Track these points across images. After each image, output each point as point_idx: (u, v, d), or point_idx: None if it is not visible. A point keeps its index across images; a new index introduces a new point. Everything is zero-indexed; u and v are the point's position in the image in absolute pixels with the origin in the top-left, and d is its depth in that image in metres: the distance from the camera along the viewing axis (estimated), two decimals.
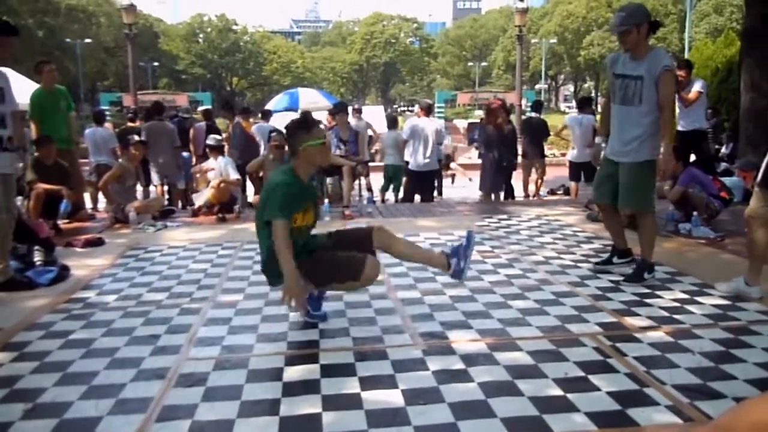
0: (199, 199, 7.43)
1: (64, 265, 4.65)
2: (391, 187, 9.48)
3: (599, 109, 8.10)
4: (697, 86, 7.22)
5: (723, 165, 9.97)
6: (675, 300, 3.81)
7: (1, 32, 4.28)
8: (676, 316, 3.52)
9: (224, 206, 7.01)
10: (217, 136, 8.43)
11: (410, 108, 55.88)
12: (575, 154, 9.06)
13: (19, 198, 5.84)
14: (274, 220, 3.15)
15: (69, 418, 2.46)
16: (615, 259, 4.49)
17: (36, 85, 7.47)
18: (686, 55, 21.16)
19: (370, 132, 10.50)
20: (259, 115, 11.77)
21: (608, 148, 4.38)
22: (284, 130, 3.55)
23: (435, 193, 9.61)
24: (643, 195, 4.19)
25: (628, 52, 4.14)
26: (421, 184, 8.77)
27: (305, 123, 3.39)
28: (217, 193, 7.06)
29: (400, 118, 16.19)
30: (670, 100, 4.07)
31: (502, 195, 8.73)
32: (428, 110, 9.00)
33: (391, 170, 9.33)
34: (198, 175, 8.21)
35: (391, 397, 2.57)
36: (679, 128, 7.53)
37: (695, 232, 5.66)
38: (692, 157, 7.52)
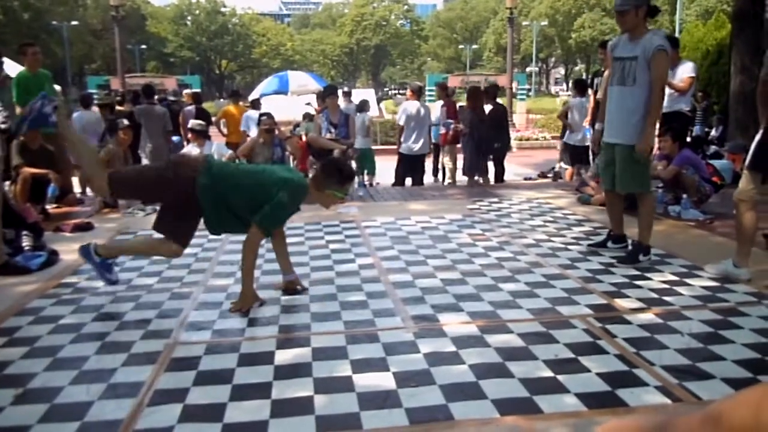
0: None
1: (53, 250, 4.62)
2: (365, 171, 9.50)
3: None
4: (688, 71, 7.12)
5: (713, 148, 10.00)
6: (664, 282, 3.84)
7: None
8: (665, 298, 3.55)
9: None
10: (201, 122, 8.20)
11: (401, 92, 55.57)
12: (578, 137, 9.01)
13: (6, 183, 5.78)
14: (261, 231, 3.42)
15: (60, 403, 2.45)
16: (609, 244, 4.53)
17: (21, 68, 7.36)
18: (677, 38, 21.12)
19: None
20: (249, 104, 11.67)
21: (605, 132, 4.40)
22: (324, 163, 3.70)
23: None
24: (640, 176, 4.22)
25: (627, 34, 4.18)
26: (413, 168, 8.76)
27: (345, 176, 3.57)
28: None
29: (390, 102, 16.10)
30: (661, 81, 4.07)
31: (489, 178, 8.73)
32: (419, 93, 8.96)
33: (359, 153, 9.37)
34: None
35: (383, 380, 2.58)
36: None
37: (684, 215, 5.69)
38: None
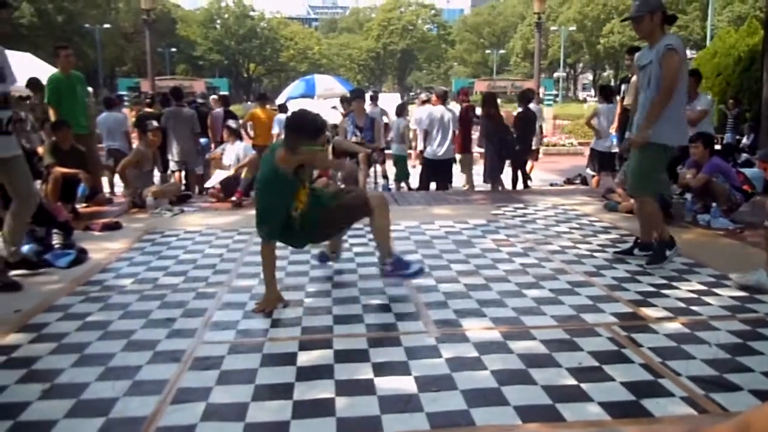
0: (213, 180, 7.48)
1: (82, 249, 4.70)
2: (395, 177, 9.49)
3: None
4: (702, 104, 6.93)
5: (744, 156, 9.82)
6: (692, 291, 3.77)
7: None
8: (692, 307, 3.49)
9: (244, 191, 7.03)
10: (237, 121, 8.56)
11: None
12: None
13: (37, 182, 5.90)
14: (263, 238, 3.49)
15: (86, 398, 2.49)
16: (636, 251, 4.47)
17: (54, 70, 7.52)
18: (708, 44, 20.85)
19: (385, 119, 10.46)
20: (277, 108, 11.84)
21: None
22: (286, 125, 3.49)
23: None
24: (643, 178, 4.23)
25: (645, 41, 4.23)
26: (437, 173, 8.74)
27: (313, 128, 3.34)
28: (250, 168, 7.15)
29: (411, 106, 16.10)
30: (668, 80, 3.99)
31: (502, 181, 8.69)
32: (444, 98, 8.94)
33: (393, 159, 9.35)
34: (213, 162, 8.24)
35: (404, 384, 2.57)
36: None
37: (714, 223, 5.59)
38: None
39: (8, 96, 4.07)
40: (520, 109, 9.28)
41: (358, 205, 3.66)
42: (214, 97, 13.70)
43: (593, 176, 9.21)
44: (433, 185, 8.75)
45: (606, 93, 9.33)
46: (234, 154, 7.45)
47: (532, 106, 9.78)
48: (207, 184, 7.85)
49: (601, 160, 8.89)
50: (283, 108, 11.39)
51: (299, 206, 3.55)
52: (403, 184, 9.54)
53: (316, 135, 3.34)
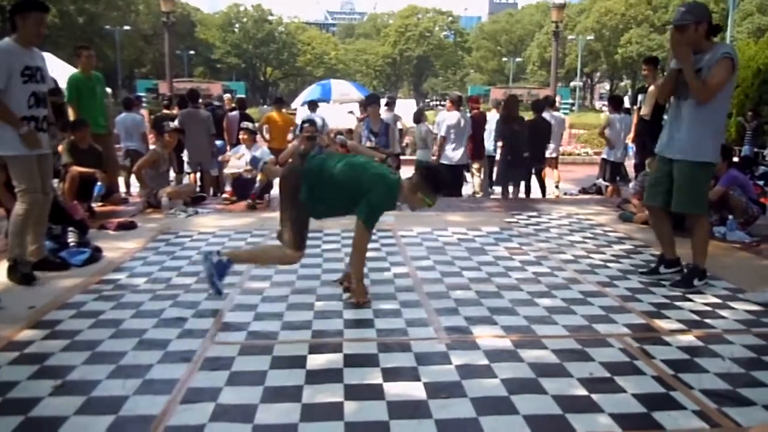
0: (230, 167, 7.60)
1: (96, 247, 4.74)
2: None
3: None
4: None
5: (762, 168, 9.72)
6: (707, 304, 3.74)
7: (34, 8, 4.08)
8: (707, 320, 3.45)
9: (258, 193, 7.06)
10: (254, 123, 8.64)
11: (442, 103, 55.33)
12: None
13: (55, 180, 5.95)
14: (366, 228, 3.61)
15: (96, 396, 2.51)
16: (662, 269, 4.26)
17: (75, 70, 7.60)
18: None
19: (399, 125, 10.45)
20: (307, 106, 11.95)
21: (659, 145, 4.17)
22: (426, 168, 3.93)
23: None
24: (698, 197, 4.01)
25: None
26: (451, 178, 8.70)
27: (440, 185, 3.81)
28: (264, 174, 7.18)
29: (432, 113, 16.06)
30: (716, 82, 3.78)
31: (521, 191, 8.62)
32: (459, 103, 8.92)
33: (417, 164, 9.34)
34: (224, 164, 8.29)
35: (413, 390, 2.57)
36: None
37: (730, 236, 5.54)
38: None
39: (46, 95, 4.17)
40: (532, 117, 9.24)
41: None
42: (228, 96, 13.81)
43: (608, 186, 9.17)
44: None
45: (615, 103, 9.29)
46: (251, 156, 7.50)
47: (554, 114, 9.74)
48: (226, 171, 7.80)
49: (612, 170, 8.84)
50: (312, 106, 11.44)
51: None
52: None
53: (435, 189, 3.74)
